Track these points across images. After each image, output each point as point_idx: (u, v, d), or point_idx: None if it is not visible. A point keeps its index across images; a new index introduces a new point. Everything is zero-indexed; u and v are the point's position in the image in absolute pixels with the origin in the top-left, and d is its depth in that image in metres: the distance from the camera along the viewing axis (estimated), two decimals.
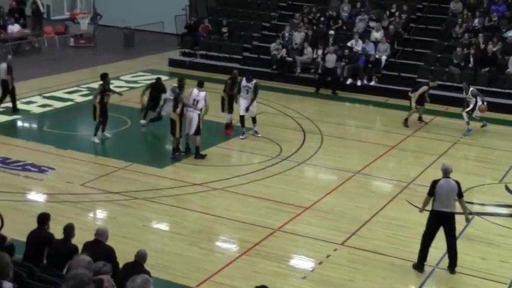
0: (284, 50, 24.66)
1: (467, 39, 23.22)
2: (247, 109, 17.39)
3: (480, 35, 23.05)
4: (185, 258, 11.22)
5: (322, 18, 25.94)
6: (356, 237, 12.24)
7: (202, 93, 16.10)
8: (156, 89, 18.30)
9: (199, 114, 15.86)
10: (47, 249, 9.07)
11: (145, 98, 18.32)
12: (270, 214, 13.14)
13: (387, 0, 26.30)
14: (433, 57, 23.49)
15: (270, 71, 24.56)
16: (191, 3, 30.49)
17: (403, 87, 20.81)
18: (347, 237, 12.16)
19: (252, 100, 17.37)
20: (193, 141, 16.06)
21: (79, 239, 9.12)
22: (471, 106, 18.64)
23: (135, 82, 23.81)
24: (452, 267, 10.98)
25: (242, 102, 17.43)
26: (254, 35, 26.74)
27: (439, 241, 10.95)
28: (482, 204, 14.07)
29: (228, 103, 17.83)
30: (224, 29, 26.71)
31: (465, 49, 22.72)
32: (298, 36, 25.03)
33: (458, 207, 10.93)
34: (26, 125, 19.37)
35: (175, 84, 16.45)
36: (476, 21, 24.02)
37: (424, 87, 19.19)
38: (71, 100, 21.09)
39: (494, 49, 22.31)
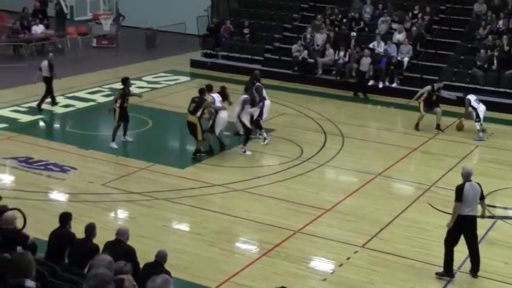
0: (305, 52, 24.63)
1: (491, 41, 23.00)
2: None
3: (504, 36, 22.82)
4: (205, 259, 11.24)
5: (344, 20, 25.86)
6: (377, 239, 12.18)
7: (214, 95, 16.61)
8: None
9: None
10: (68, 248, 9.14)
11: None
12: (291, 215, 13.12)
13: (410, 2, 26.14)
14: (456, 59, 23.31)
15: (291, 72, 24.53)
16: (213, 4, 30.55)
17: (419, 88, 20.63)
18: (367, 240, 12.10)
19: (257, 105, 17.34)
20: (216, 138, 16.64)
21: (100, 239, 9.18)
22: (475, 114, 18.53)
23: (157, 83, 23.92)
24: (475, 271, 10.87)
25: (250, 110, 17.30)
26: (276, 36, 26.72)
27: (461, 245, 10.85)
28: (505, 208, 13.92)
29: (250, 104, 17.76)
30: (246, 30, 26.73)
31: (489, 51, 22.51)
32: (319, 38, 24.97)
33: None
34: (49, 125, 19.54)
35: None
36: (500, 22, 23.80)
37: (428, 87, 19.07)
38: (93, 100, 21.24)
39: None
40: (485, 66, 22.36)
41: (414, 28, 24.22)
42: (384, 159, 16.58)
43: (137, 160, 15.87)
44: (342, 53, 23.93)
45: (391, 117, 21.05)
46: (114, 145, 16.56)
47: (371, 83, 23.13)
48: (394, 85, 23.03)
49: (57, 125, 19.66)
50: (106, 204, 13.43)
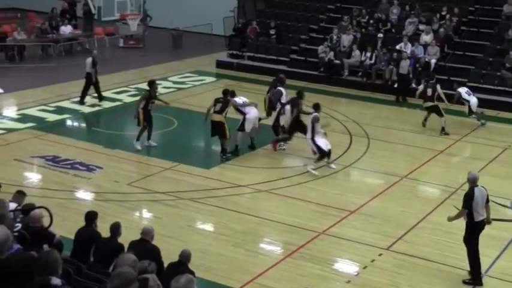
0: (332, 53, 24.56)
1: None
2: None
3: None
4: (229, 260, 11.25)
5: (371, 21, 25.73)
6: (402, 242, 12.09)
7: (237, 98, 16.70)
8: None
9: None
10: (93, 247, 9.20)
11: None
12: (315, 217, 13.08)
13: (438, 3, 25.92)
14: (485, 61, 23.06)
15: (317, 73, 24.47)
16: (240, 5, 30.59)
17: (453, 91, 20.44)
18: (392, 242, 12.02)
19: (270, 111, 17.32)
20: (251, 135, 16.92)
21: (125, 238, 9.23)
22: (468, 108, 19.05)
23: (183, 83, 24.01)
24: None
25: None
26: (302, 38, 26.68)
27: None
28: None
29: (269, 106, 17.69)
30: (272, 31, 26.73)
31: None
32: (346, 39, 24.88)
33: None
34: (76, 124, 19.72)
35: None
36: None
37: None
38: (120, 100, 21.37)
39: None
40: None
41: (442, 29, 24.01)
42: (410, 161, 16.46)
43: (162, 160, 15.94)
44: (368, 54, 23.81)
45: (417, 119, 20.84)
46: (138, 146, 16.54)
47: (397, 85, 22.95)
48: (420, 87, 22.80)
49: (83, 125, 19.82)
50: (131, 204, 13.50)
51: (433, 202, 14.01)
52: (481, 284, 10.68)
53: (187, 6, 32.50)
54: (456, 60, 23.66)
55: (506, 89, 21.51)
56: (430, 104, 18.92)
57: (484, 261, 10.85)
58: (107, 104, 20.87)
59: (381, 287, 10.56)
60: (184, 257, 8.77)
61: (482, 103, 19.21)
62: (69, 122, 19.44)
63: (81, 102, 20.57)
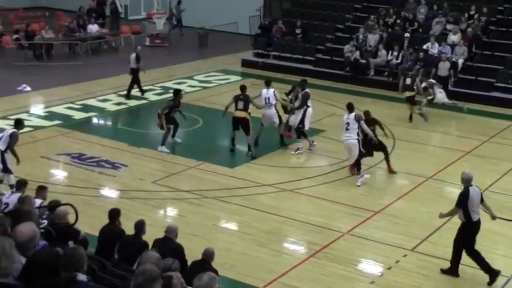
0: (358, 52, 24.44)
1: None
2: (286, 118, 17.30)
3: None
4: (253, 259, 11.25)
5: (398, 21, 25.56)
6: (427, 243, 11.99)
7: (271, 91, 16.69)
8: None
9: (275, 107, 16.65)
10: (118, 244, 9.26)
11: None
12: (339, 217, 13.03)
13: (466, 2, 25.66)
14: None
15: (343, 73, 24.37)
16: (265, 4, 30.58)
17: (480, 91, 20.32)
18: (417, 243, 11.93)
19: (293, 109, 16.92)
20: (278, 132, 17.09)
21: (149, 236, 9.28)
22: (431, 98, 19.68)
23: (208, 82, 24.06)
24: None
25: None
26: (328, 37, 26.59)
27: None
28: None
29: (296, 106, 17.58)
30: (298, 30, 26.69)
31: None
32: (372, 38, 24.75)
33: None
34: (101, 122, 19.86)
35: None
36: None
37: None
38: (145, 99, 21.48)
39: None
40: None
41: (470, 29, 23.77)
42: (436, 162, 16.31)
43: (187, 158, 15.99)
44: (395, 54, 23.66)
45: (444, 119, 20.67)
46: (164, 149, 16.47)
47: (424, 85, 22.71)
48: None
49: (109, 123, 19.96)
50: (155, 202, 13.57)
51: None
52: (496, 275, 10.58)
53: (213, 6, 32.57)
54: (484, 60, 23.39)
55: None
56: (409, 93, 19.46)
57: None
58: (132, 103, 21.00)
59: None
60: (208, 256, 8.79)
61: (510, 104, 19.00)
62: (94, 120, 19.60)
63: (128, 96, 21.11)
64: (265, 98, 16.62)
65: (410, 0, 26.13)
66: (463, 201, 10.45)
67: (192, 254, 9.05)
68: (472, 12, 24.68)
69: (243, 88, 16.75)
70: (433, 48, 23.38)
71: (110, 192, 14.21)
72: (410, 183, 14.89)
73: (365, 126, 14.75)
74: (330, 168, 15.58)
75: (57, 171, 15.36)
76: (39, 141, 16.93)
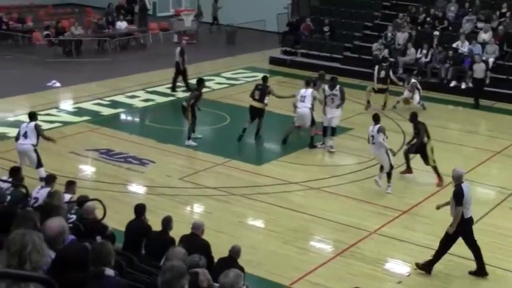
0: (386, 50, 24.27)
1: None
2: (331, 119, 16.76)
3: None
4: (279, 256, 11.22)
5: (427, 19, 25.31)
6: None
7: (309, 91, 16.58)
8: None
9: (310, 109, 16.42)
10: (145, 240, 9.30)
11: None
12: (367, 216, 12.94)
13: (497, 0, 25.31)
14: None
15: (371, 71, 24.16)
16: (294, 1, 30.50)
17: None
18: None
19: (338, 106, 16.71)
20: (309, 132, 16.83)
21: (176, 232, 9.30)
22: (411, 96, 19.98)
23: (236, 79, 24.07)
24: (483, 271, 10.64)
25: (328, 112, 16.66)
26: (356, 35, 26.44)
27: None
28: None
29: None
30: (326, 28, 26.57)
31: None
32: (401, 37, 24.55)
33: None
34: (129, 118, 19.97)
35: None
36: None
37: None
38: (173, 95, 21.55)
39: None
40: None
41: (501, 27, 23.45)
42: (465, 162, 16.08)
43: (214, 155, 15.99)
44: (424, 52, 23.44)
45: (473, 119, 20.44)
46: (192, 142, 16.62)
47: (453, 83, 22.54)
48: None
49: (137, 119, 20.06)
50: (182, 198, 13.60)
51: (489, 204, 13.70)
52: (486, 274, 10.61)
53: (241, 3, 32.57)
54: None
55: None
56: (381, 86, 19.91)
57: None
58: (160, 99, 21.07)
59: None
60: (234, 253, 8.78)
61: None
62: (123, 116, 19.71)
63: (173, 89, 21.70)
64: (302, 97, 16.43)
65: None
66: (460, 198, 10.44)
67: (219, 251, 9.05)
68: (503, 10, 24.34)
69: (264, 78, 17.30)
70: (463, 46, 23.11)
71: (137, 188, 14.28)
72: (439, 183, 14.71)
73: (380, 139, 13.98)
74: (357, 167, 15.48)
75: (85, 167, 15.48)
76: (68, 137, 17.06)
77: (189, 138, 16.64)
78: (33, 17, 30.81)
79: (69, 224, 7.46)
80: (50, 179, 10.99)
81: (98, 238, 7.91)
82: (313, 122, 16.54)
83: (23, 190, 10.38)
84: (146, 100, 20.93)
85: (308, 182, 14.46)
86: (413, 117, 14.92)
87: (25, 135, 13.45)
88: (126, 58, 26.55)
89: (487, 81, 21.88)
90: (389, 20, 25.96)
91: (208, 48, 29.22)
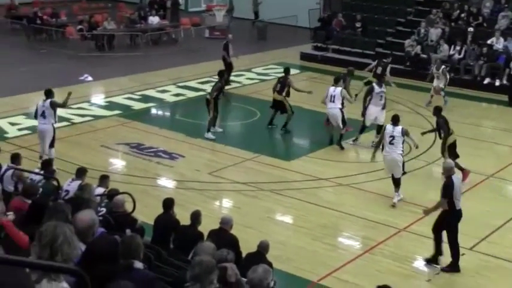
0: (419, 47, 24.04)
1: None
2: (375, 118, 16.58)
3: None
4: (308, 252, 11.20)
5: (462, 15, 24.99)
6: (486, 243, 11.71)
7: (338, 89, 16.29)
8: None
9: (340, 109, 16.16)
10: (173, 234, 9.35)
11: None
12: (396, 213, 12.86)
13: None
14: None
15: (403, 67, 24.00)
16: None
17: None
18: (476, 243, 11.67)
19: (384, 107, 16.58)
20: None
21: (204, 226, 9.34)
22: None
23: (266, 75, 24.04)
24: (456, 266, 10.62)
25: (373, 111, 16.48)
26: (388, 31, 26.24)
27: None
28: None
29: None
30: (358, 24, 26.41)
31: None
32: (434, 33, 24.29)
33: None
34: (160, 113, 20.09)
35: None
36: None
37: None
38: (203, 90, 21.56)
39: None
40: None
41: None
42: (498, 160, 15.91)
43: (243, 150, 16.02)
44: (457, 48, 23.17)
45: (507, 117, 20.13)
46: (211, 135, 16.74)
47: (487, 81, 22.24)
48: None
49: (167, 113, 20.17)
50: (211, 193, 13.65)
51: None
52: (459, 270, 10.60)
53: None
54: None
55: None
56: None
57: None
58: (190, 94, 21.15)
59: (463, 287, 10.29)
60: (263, 248, 8.79)
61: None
62: (153, 111, 19.83)
63: (227, 82, 21.40)
64: (331, 96, 16.16)
65: None
66: (449, 191, 10.39)
67: (247, 246, 9.06)
68: None
69: (286, 70, 17.59)
70: (498, 43, 22.79)
71: (166, 183, 14.37)
72: (470, 181, 14.53)
73: (410, 139, 13.74)
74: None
75: (116, 161, 15.62)
76: (99, 131, 17.24)
77: (208, 130, 16.81)
78: (67, 12, 31.15)
79: (99, 217, 7.54)
80: (81, 172, 11.11)
81: (128, 231, 7.97)
82: (344, 121, 16.24)
83: (55, 183, 10.53)
84: (177, 95, 21.03)
85: (337, 179, 14.42)
86: (437, 112, 14.74)
87: (43, 115, 13.81)
88: (157, 53, 26.69)
89: (476, 70, 21.62)
90: (422, 16, 25.68)
91: (239, 43, 29.13)
